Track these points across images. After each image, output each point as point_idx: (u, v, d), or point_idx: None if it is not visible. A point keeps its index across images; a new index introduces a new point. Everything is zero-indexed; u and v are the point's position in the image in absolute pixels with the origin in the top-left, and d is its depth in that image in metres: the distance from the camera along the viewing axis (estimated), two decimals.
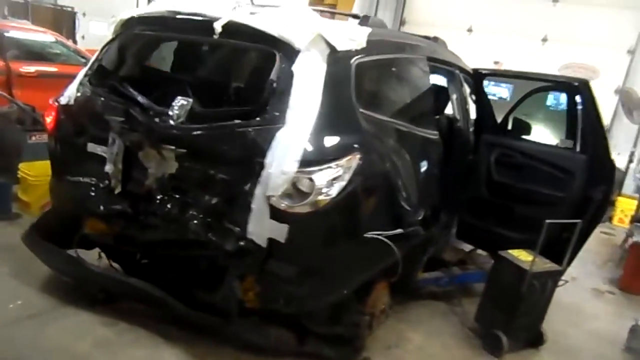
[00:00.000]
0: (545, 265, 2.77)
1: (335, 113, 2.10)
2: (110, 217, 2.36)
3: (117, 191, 2.38)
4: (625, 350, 3.08)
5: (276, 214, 1.99)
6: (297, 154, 1.95)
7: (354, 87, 2.18)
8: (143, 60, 2.80)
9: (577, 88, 3.16)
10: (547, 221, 2.66)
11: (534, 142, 3.38)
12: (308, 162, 1.96)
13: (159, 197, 2.28)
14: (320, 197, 1.96)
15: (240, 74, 3.06)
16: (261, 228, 2.03)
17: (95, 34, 9.71)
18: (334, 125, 2.08)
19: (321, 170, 1.95)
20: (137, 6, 7.92)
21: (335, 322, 2.37)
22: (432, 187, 2.77)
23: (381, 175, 2.24)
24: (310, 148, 1.97)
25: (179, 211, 2.23)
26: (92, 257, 2.64)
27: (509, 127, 3.48)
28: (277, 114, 2.04)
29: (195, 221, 2.17)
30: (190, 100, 2.21)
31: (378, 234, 2.18)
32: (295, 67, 2.07)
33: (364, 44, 2.25)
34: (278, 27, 2.12)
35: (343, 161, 2.00)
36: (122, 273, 2.55)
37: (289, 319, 2.33)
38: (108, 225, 2.42)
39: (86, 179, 2.46)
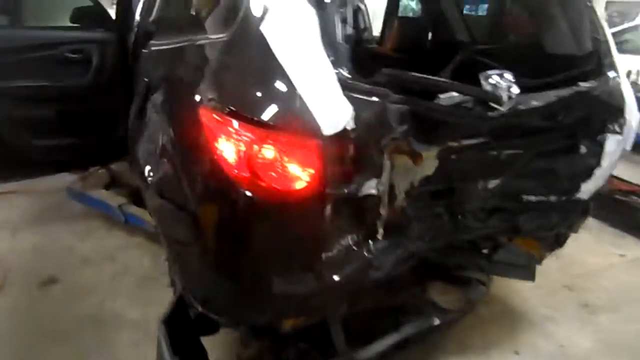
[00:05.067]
0: None
1: None
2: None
3: (379, 236, 1.71)
4: None
5: (615, 164, 2.19)
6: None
7: None
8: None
9: None
10: None
11: None
12: None
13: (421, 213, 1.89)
14: None
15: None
16: (595, 183, 2.17)
17: None
18: None
19: None
20: None
21: None
22: None
23: None
24: None
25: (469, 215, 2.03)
26: None
27: None
28: (610, 69, 2.09)
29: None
30: (510, 73, 1.74)
31: None
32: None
33: None
34: None
35: None
36: None
37: None
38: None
39: (347, 239, 1.63)
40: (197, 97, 1.59)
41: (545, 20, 2.31)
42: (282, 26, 1.49)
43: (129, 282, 2.84)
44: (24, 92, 2.90)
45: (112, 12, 3.30)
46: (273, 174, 1.42)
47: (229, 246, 1.57)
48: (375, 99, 1.49)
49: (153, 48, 2.40)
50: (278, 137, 1.41)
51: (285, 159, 1.41)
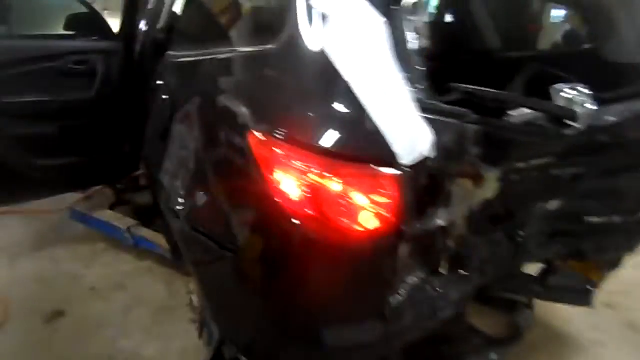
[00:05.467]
0: None
1: None
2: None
3: (443, 270, 1.55)
4: None
5: None
6: None
7: None
8: None
9: None
10: None
11: None
12: None
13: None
14: None
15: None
16: None
17: None
18: None
19: None
20: None
21: None
22: None
23: None
24: None
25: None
26: None
27: None
28: None
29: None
30: (585, 86, 1.56)
31: None
32: None
33: None
34: None
35: None
36: None
37: None
38: None
39: (414, 278, 1.44)
40: (244, 120, 1.38)
41: (608, 24, 2.12)
42: (346, 37, 1.29)
43: (143, 314, 2.61)
44: (24, 108, 2.67)
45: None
46: (341, 211, 1.22)
47: (285, 291, 1.36)
48: (453, 120, 1.30)
49: (173, 60, 2.18)
50: (347, 169, 1.20)
51: (356, 194, 1.21)
